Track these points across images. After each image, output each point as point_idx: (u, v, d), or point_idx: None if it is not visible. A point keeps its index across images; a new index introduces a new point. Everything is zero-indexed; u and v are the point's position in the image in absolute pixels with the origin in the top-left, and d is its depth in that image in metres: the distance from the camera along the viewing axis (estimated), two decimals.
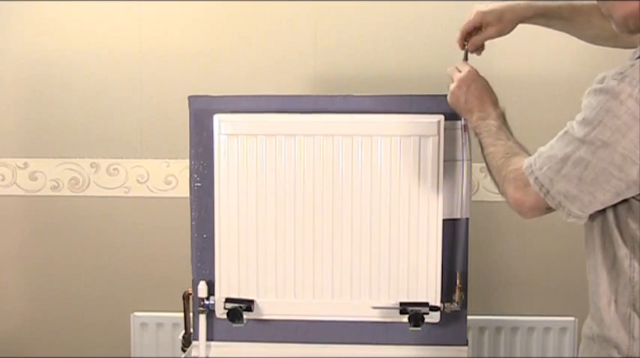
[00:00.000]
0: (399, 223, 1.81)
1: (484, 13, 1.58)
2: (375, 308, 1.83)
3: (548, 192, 1.23)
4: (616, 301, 1.23)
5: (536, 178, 1.25)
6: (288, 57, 2.36)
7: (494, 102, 1.51)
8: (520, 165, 1.30)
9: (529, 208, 1.30)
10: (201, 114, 1.85)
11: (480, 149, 1.48)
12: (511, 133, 1.45)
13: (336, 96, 1.88)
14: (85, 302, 2.47)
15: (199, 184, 1.87)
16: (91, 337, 2.47)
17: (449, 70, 1.60)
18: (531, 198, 1.27)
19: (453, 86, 1.56)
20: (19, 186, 2.45)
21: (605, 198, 1.19)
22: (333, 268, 1.83)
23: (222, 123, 1.82)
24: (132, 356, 2.45)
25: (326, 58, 2.35)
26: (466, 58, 1.63)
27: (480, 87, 1.53)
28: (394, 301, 1.82)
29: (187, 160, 1.88)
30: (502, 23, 1.58)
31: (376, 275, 1.82)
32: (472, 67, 1.57)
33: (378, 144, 1.79)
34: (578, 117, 1.20)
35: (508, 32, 1.60)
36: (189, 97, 1.87)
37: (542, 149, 1.27)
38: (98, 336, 2.47)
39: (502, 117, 1.48)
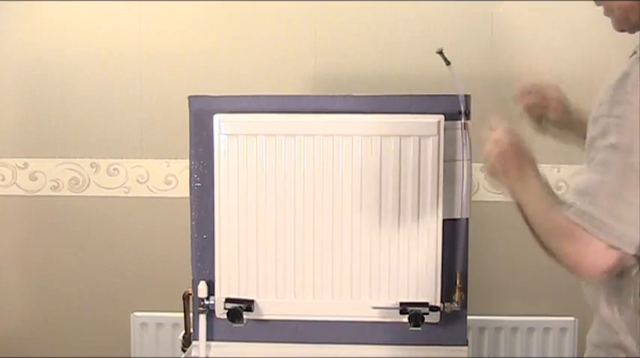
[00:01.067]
0: (399, 223, 1.81)
1: (558, 93, 1.53)
2: (375, 308, 1.82)
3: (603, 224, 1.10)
4: (623, 306, 1.22)
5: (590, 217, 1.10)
6: (288, 57, 2.35)
7: (536, 171, 1.30)
8: (567, 215, 1.15)
9: (592, 261, 1.12)
10: (201, 114, 1.85)
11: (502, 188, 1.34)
12: (556, 196, 1.26)
13: (336, 96, 1.87)
14: (85, 302, 2.46)
15: (199, 184, 1.87)
16: (91, 337, 2.47)
17: (482, 133, 1.38)
18: (592, 246, 1.11)
19: (489, 158, 1.33)
20: (19, 186, 2.44)
21: None
22: (333, 268, 1.83)
23: (222, 123, 1.82)
24: (132, 356, 2.45)
25: (326, 58, 2.35)
26: (447, 63, 1.62)
27: (519, 153, 1.31)
28: (394, 301, 1.82)
29: (187, 160, 1.88)
30: (559, 109, 1.51)
31: (376, 275, 1.82)
32: (506, 131, 1.32)
33: (378, 144, 1.79)
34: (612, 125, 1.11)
35: (550, 116, 1.54)
36: (189, 97, 1.87)
37: (579, 187, 1.14)
38: (98, 336, 2.47)
39: (546, 186, 1.29)
